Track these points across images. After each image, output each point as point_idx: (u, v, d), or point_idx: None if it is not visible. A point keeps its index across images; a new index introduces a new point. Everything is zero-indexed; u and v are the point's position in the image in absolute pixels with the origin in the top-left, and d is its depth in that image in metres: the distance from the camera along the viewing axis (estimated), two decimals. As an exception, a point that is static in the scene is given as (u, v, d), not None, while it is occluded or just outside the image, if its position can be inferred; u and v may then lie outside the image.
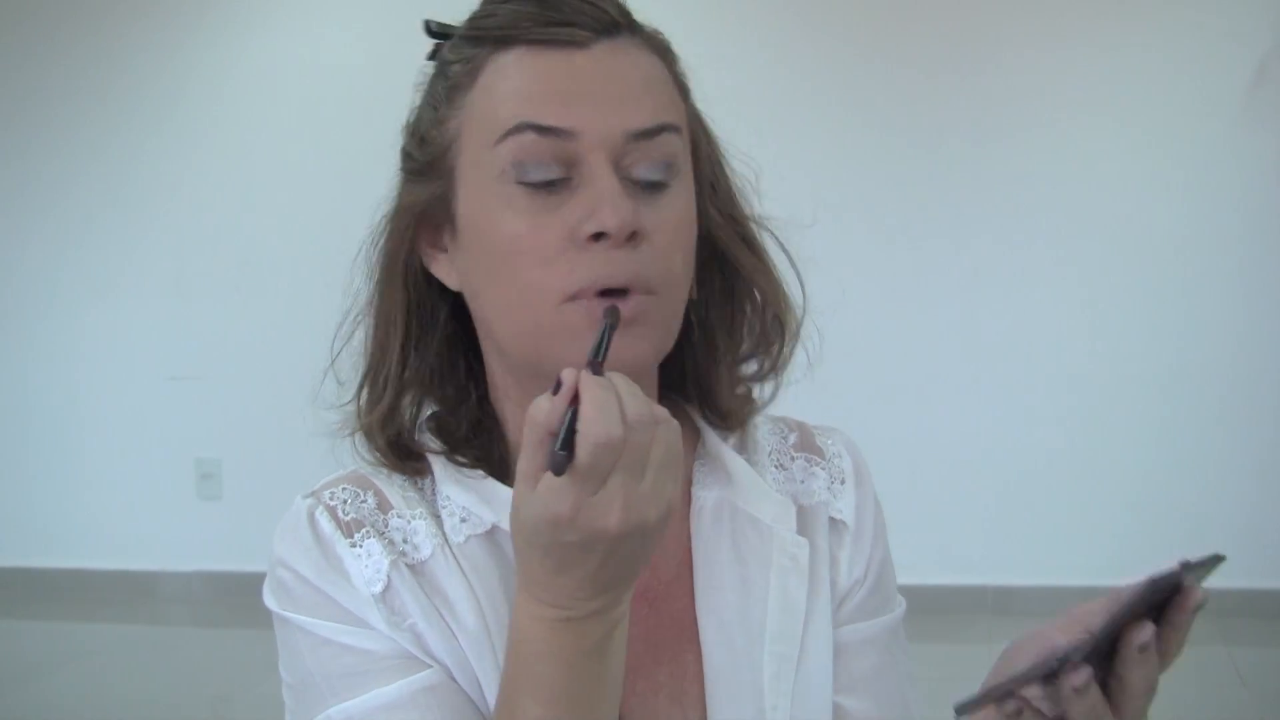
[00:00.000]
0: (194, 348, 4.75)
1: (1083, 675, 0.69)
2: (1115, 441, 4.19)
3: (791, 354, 0.92)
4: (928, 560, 3.95)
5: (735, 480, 0.91)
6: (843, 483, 0.95)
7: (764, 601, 0.88)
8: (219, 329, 4.70)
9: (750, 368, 0.93)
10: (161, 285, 4.76)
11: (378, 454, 0.88)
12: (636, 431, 0.68)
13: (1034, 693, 0.73)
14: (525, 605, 0.73)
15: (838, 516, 0.93)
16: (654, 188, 0.81)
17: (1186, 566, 0.71)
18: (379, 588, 0.82)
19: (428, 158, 0.85)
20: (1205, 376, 4.20)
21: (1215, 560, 0.74)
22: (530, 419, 0.70)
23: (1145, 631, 0.70)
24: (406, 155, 0.87)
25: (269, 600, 0.86)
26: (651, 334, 0.81)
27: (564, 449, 0.67)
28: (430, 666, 0.81)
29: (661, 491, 0.70)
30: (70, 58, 4.74)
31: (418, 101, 0.88)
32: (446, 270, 0.86)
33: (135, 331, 4.80)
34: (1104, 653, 0.71)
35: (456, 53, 0.84)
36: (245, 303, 4.66)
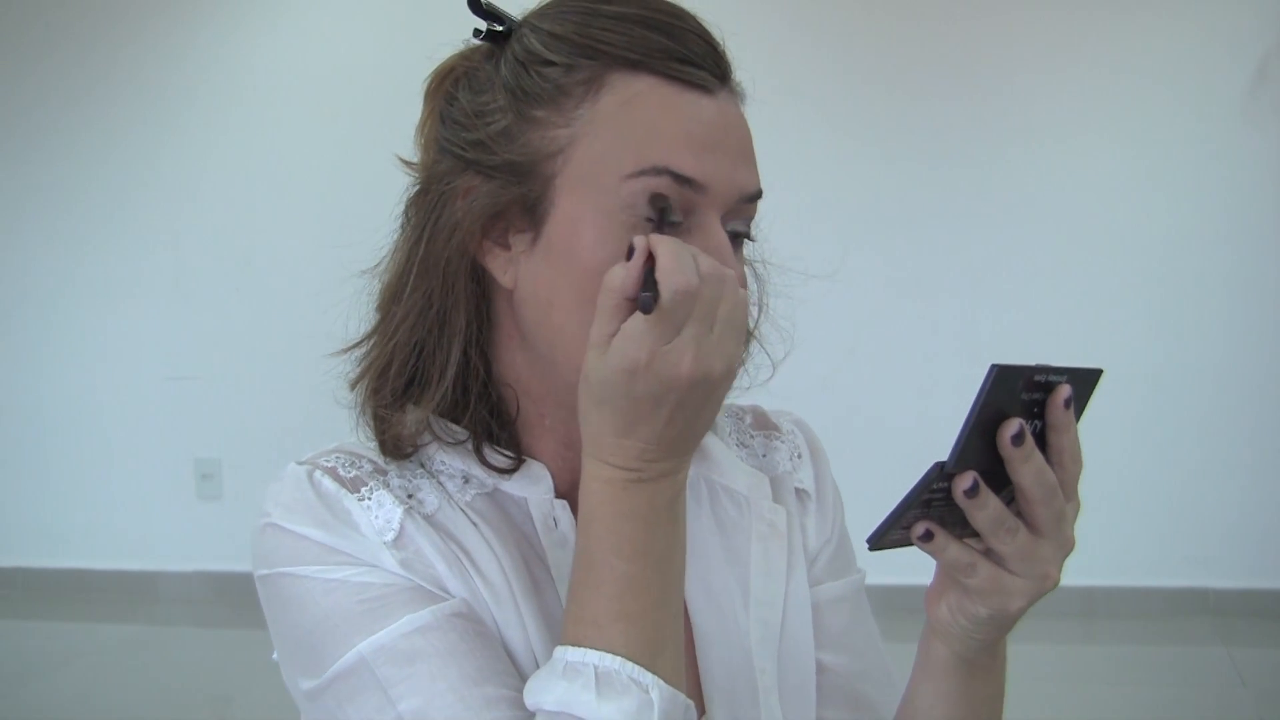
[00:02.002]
0: (194, 348, 4.75)
1: (967, 479, 0.71)
2: (1114, 441, 4.19)
3: (747, 357, 0.94)
4: (927, 560, 3.95)
5: (710, 457, 0.95)
6: (800, 456, 1.00)
7: (746, 568, 0.92)
8: (219, 329, 4.71)
9: None
10: (161, 286, 4.76)
11: (389, 444, 0.86)
12: (709, 284, 0.73)
13: (973, 543, 0.75)
14: (595, 471, 0.76)
15: (801, 486, 0.98)
16: (736, 243, 0.83)
17: (1045, 367, 0.72)
18: (391, 536, 0.81)
19: (516, 157, 0.81)
20: (1204, 376, 4.20)
21: (1092, 373, 0.75)
22: (606, 287, 0.74)
23: (1012, 426, 0.71)
24: (475, 145, 0.83)
25: (262, 565, 0.82)
26: None
27: (654, 293, 0.72)
28: (454, 599, 0.80)
29: (726, 345, 0.74)
30: (70, 61, 4.75)
31: (474, 81, 0.84)
32: (503, 267, 0.83)
33: (135, 332, 4.80)
34: (999, 468, 0.71)
35: (560, 55, 0.81)
36: (245, 303, 4.66)
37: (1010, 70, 4.25)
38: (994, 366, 0.69)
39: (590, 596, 0.75)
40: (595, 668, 0.73)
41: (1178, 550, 4.21)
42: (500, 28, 0.85)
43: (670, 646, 0.76)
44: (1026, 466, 0.72)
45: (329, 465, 0.84)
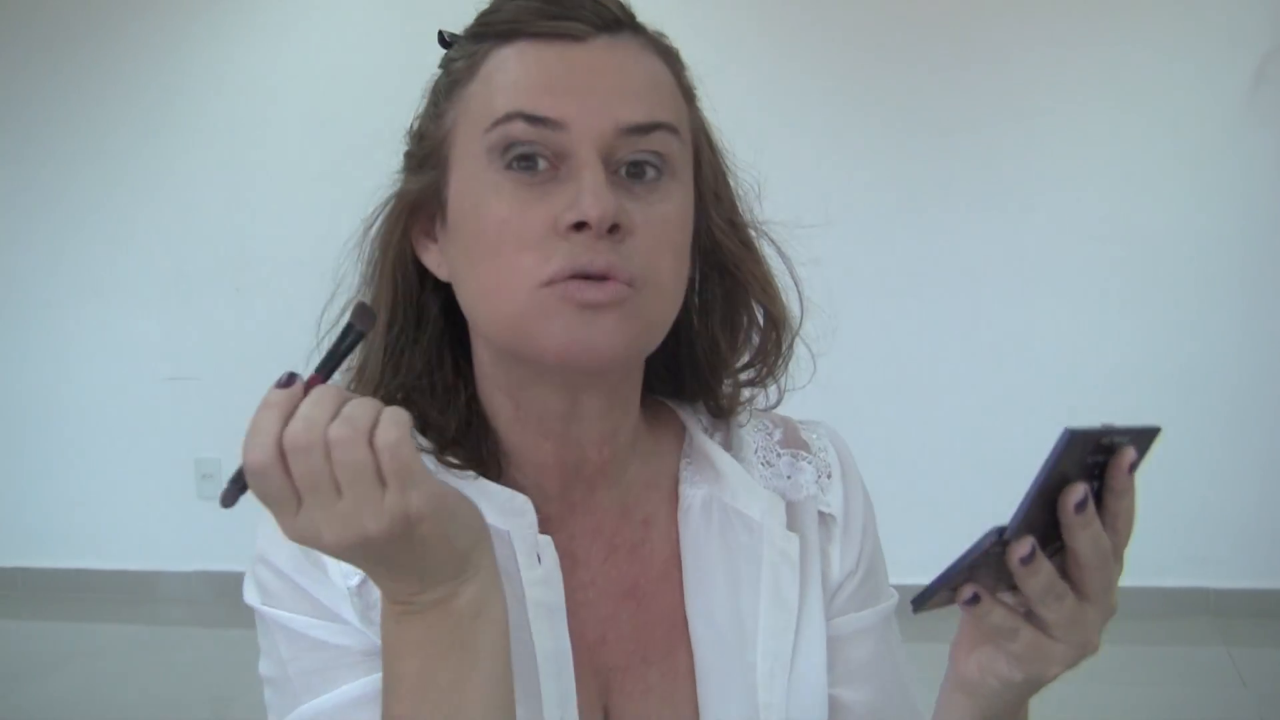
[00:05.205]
0: (194, 348, 4.75)
1: (1024, 545, 0.68)
2: (1115, 441, 4.19)
3: (786, 365, 0.92)
4: (927, 560, 3.95)
5: (723, 477, 0.91)
6: (829, 476, 0.95)
7: (755, 598, 0.88)
8: (219, 329, 4.70)
9: (748, 373, 0.93)
10: (161, 285, 4.75)
11: None
12: (293, 459, 0.67)
13: (1012, 600, 0.72)
14: (382, 603, 0.74)
15: (826, 510, 0.93)
16: (644, 185, 0.80)
17: (1111, 429, 0.69)
18: (356, 580, 0.81)
19: (425, 151, 0.85)
20: (1204, 376, 4.19)
21: (1151, 431, 0.72)
22: None
23: (1076, 491, 0.68)
24: (407, 154, 0.88)
25: (248, 596, 0.85)
26: (628, 326, 0.79)
27: (237, 480, 0.69)
28: None
29: (368, 505, 0.67)
30: (67, 58, 4.74)
31: (422, 107, 0.89)
32: (437, 260, 0.86)
33: (135, 331, 4.80)
34: (1050, 529, 0.69)
35: (460, 50, 0.85)
36: (245, 303, 4.66)
37: (1010, 70, 4.25)
38: (1066, 431, 0.67)
39: None
40: None
41: (1178, 550, 4.21)
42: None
43: None
44: (1085, 533, 0.70)
45: None
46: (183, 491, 4.80)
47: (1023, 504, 0.67)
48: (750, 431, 0.95)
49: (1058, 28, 4.22)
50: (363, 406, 0.69)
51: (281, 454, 0.67)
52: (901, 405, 4.33)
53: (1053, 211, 4.26)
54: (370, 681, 0.79)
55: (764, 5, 4.35)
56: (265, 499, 0.68)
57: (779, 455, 0.95)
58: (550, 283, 0.77)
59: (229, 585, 4.50)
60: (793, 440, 0.96)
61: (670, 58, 0.86)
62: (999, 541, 0.68)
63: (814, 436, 0.97)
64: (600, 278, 0.77)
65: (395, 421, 0.68)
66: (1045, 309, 4.28)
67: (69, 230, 4.82)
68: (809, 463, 0.95)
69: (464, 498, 0.74)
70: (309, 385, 0.70)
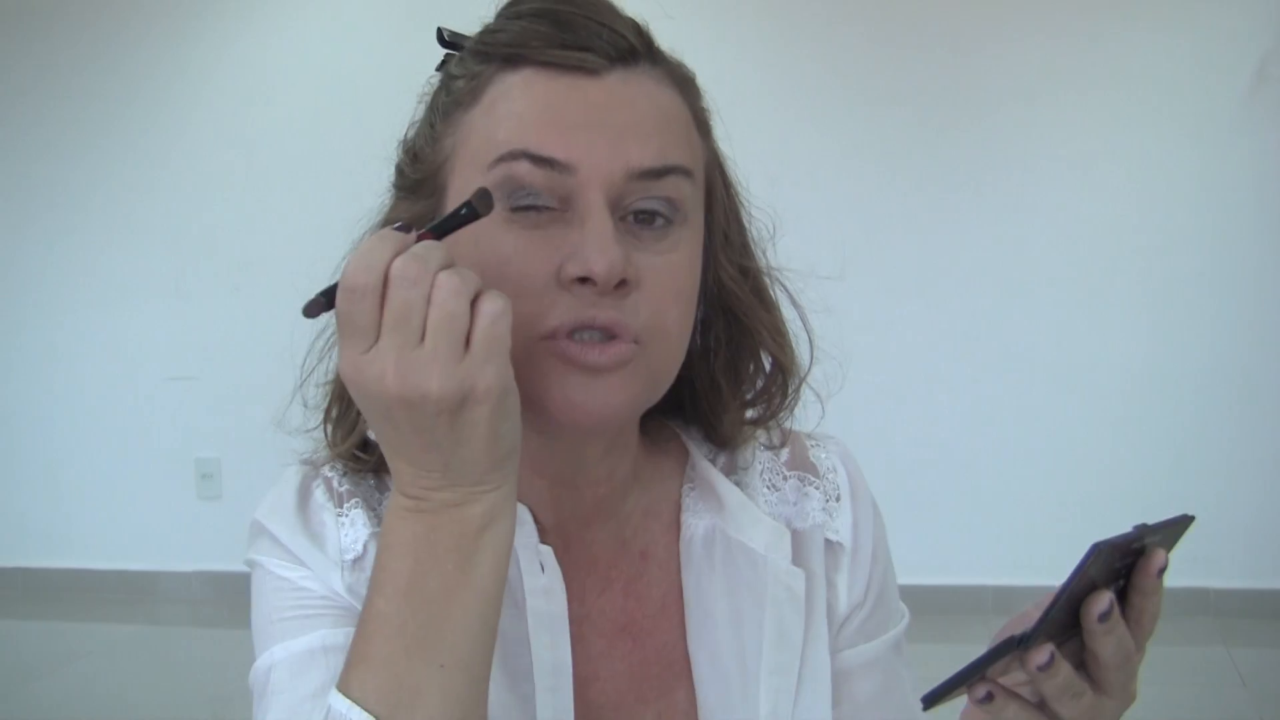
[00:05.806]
0: (194, 348, 4.75)
1: (1042, 654, 0.66)
2: (1115, 441, 4.19)
3: (792, 410, 0.89)
4: (927, 560, 3.95)
5: (726, 507, 0.87)
6: (838, 500, 0.90)
7: (758, 634, 0.85)
8: (219, 329, 4.70)
9: (751, 413, 0.90)
10: (161, 286, 4.75)
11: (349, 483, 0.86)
12: (397, 287, 0.66)
13: (1017, 678, 0.70)
14: (392, 497, 0.72)
15: (834, 538, 0.89)
16: (654, 232, 0.76)
17: (1145, 529, 0.68)
18: (352, 556, 0.81)
19: (419, 175, 0.81)
20: (1204, 376, 4.19)
21: (1183, 521, 0.71)
22: None
23: (1102, 601, 0.66)
24: (399, 171, 0.84)
25: (246, 555, 0.85)
26: (632, 386, 0.76)
27: (325, 296, 0.68)
28: None
29: (444, 361, 0.66)
30: (68, 56, 4.74)
31: (418, 115, 0.84)
32: None
33: (135, 332, 4.80)
34: (1071, 627, 0.68)
35: (462, 68, 0.80)
36: (245, 303, 4.66)
37: (1010, 71, 4.24)
38: (1094, 547, 0.64)
39: (354, 638, 0.71)
40: (329, 709, 0.69)
41: (1178, 550, 4.18)
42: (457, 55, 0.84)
43: (429, 702, 0.67)
44: (1109, 639, 0.68)
45: (329, 475, 0.85)
46: (183, 491, 4.80)
47: (1043, 616, 0.65)
48: (756, 450, 0.92)
49: (1058, 28, 4.22)
50: (472, 272, 0.68)
51: (384, 282, 0.66)
52: (898, 406, 4.32)
53: (1052, 212, 4.26)
54: (346, 633, 0.76)
55: (769, 2, 4.35)
56: (346, 324, 0.66)
57: (785, 478, 0.91)
58: (552, 336, 0.74)
59: (229, 585, 4.51)
60: (800, 461, 0.92)
61: (686, 87, 0.81)
62: (1018, 650, 0.67)
63: (823, 456, 0.93)
64: (605, 331, 0.74)
65: (500, 296, 0.67)
66: (1045, 310, 4.27)
67: (68, 230, 4.82)
68: (816, 487, 0.91)
69: (519, 409, 0.71)
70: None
